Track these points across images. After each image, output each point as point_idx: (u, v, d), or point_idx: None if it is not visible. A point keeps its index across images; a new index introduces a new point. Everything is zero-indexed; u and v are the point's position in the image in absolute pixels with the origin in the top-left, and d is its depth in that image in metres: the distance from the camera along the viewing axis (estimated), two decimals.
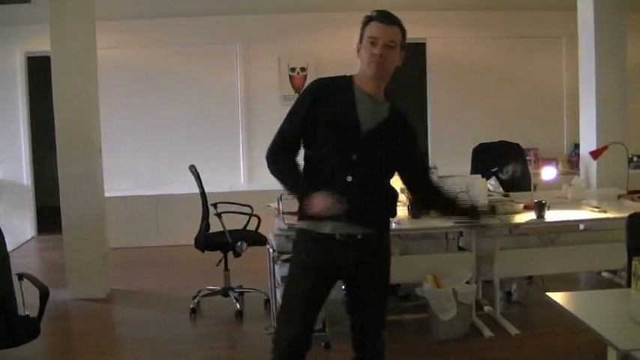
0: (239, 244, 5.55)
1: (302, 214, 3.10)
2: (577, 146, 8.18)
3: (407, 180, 3.32)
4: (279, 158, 3.10)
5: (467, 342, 4.85)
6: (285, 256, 4.63)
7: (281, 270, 4.69)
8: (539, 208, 5.02)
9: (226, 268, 5.87)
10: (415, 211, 5.07)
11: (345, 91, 3.05)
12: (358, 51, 3.07)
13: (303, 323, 3.11)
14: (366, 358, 3.25)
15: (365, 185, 3.04)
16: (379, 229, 3.18)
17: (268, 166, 3.11)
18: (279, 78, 9.28)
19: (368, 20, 3.05)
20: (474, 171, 6.45)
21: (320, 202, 2.91)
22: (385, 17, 3.02)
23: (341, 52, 9.10)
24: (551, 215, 5.09)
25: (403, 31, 3.06)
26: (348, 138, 3.02)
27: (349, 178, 3.00)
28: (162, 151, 9.17)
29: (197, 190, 5.91)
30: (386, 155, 3.09)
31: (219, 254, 5.85)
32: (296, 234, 3.27)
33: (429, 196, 3.37)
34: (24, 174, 9.17)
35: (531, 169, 6.06)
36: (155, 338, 5.24)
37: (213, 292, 5.93)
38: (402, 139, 3.12)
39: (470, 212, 3.42)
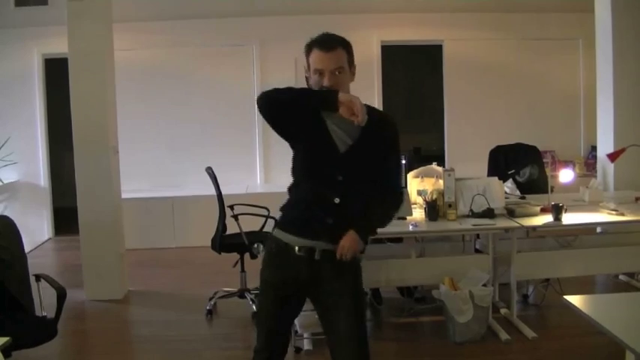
0: (255, 245, 5.55)
1: (281, 221, 3.05)
2: (594, 148, 8.14)
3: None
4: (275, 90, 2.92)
5: (483, 344, 4.83)
6: None
7: None
8: (557, 210, 4.99)
9: (243, 270, 5.88)
10: (432, 213, 5.06)
11: (313, 115, 2.93)
12: (307, 79, 2.98)
13: (269, 338, 3.08)
14: None
15: (351, 202, 2.89)
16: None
17: (264, 102, 2.92)
18: (295, 79, 9.24)
19: (309, 48, 2.93)
20: (490, 173, 6.44)
21: (354, 100, 2.77)
22: (325, 43, 2.90)
23: (356, 54, 9.15)
24: (569, 218, 5.06)
25: (348, 49, 2.95)
26: (328, 160, 2.90)
27: (337, 200, 2.88)
28: (178, 153, 9.21)
29: (213, 192, 5.93)
30: (370, 169, 2.94)
31: (235, 256, 5.86)
32: (266, 243, 3.15)
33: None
34: (41, 175, 9.19)
35: (548, 171, 6.02)
36: (171, 339, 5.26)
37: (230, 294, 5.94)
38: (382, 146, 2.96)
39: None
